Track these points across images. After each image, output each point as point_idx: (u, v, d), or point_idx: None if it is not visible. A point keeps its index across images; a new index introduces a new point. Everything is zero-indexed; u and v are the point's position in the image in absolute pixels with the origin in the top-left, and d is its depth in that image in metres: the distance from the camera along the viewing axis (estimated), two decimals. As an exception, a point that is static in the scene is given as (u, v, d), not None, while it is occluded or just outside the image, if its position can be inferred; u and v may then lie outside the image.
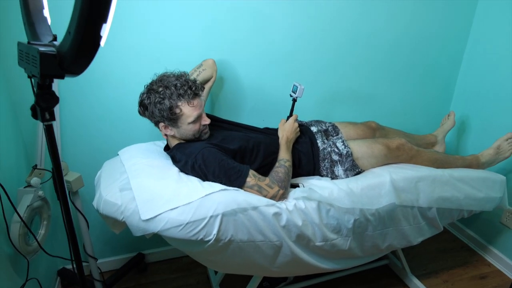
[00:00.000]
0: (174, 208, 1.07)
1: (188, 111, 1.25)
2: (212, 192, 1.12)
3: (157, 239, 1.71)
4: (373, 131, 1.70)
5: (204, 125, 1.31)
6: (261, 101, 1.77)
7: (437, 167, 1.54)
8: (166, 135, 1.33)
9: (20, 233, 1.18)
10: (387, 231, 1.41)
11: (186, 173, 1.25)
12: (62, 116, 1.47)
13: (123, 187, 1.15)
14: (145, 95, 1.25)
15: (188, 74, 1.30)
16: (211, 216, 1.09)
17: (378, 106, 2.03)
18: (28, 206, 1.22)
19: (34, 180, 1.27)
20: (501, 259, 1.93)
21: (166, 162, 1.30)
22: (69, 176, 1.39)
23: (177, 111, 1.23)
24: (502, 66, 1.83)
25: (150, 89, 1.25)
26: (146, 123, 1.35)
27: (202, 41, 1.56)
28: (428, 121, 2.16)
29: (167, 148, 1.40)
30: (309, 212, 1.23)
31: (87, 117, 1.53)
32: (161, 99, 1.21)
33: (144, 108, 1.26)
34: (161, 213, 1.06)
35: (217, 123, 1.47)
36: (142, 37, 1.47)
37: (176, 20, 1.49)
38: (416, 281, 1.79)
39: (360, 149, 1.46)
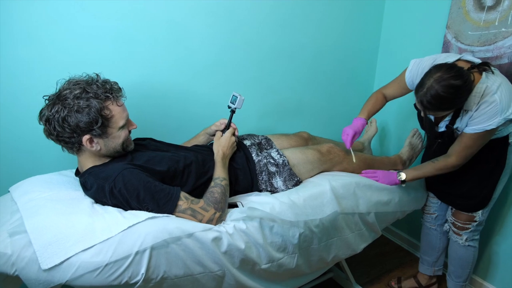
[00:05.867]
0: (88, 248, 0.86)
1: (117, 112, 1.07)
2: (137, 223, 0.93)
3: None
4: (306, 141, 1.67)
5: (130, 131, 1.14)
6: (186, 118, 1.63)
7: (368, 167, 1.56)
8: (79, 153, 1.10)
9: None
10: (332, 242, 1.35)
11: (104, 202, 1.03)
12: None
13: (14, 231, 0.89)
14: (56, 106, 1.00)
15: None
16: (136, 252, 0.90)
17: (306, 118, 2.04)
18: None
19: None
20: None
21: (76, 194, 1.06)
22: None
23: (107, 112, 1.04)
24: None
25: (62, 96, 1.01)
26: (49, 150, 1.10)
27: (113, 53, 1.38)
28: (353, 129, 2.22)
29: (78, 173, 1.17)
30: (251, 232, 1.11)
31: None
32: (86, 101, 1.00)
33: (58, 122, 1.00)
34: (70, 257, 0.84)
35: (138, 141, 1.28)
36: (37, 48, 1.24)
37: (82, 30, 1.29)
38: (362, 290, 1.77)
39: (294, 155, 1.41)
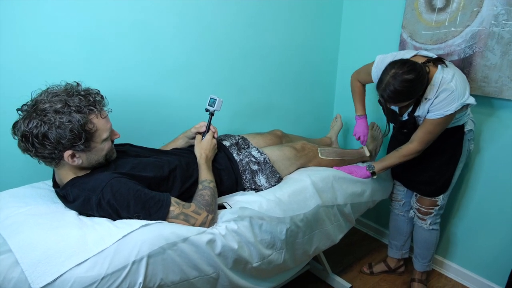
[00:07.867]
0: (82, 263, 0.81)
1: (101, 124, 1.01)
2: (131, 231, 0.90)
3: None
4: (280, 139, 1.71)
5: (112, 140, 1.09)
6: (159, 122, 1.59)
7: (339, 157, 1.66)
8: (58, 166, 1.03)
9: None
10: (314, 234, 1.40)
11: (89, 214, 0.98)
12: None
13: (-4, 251, 0.82)
14: (34, 121, 0.91)
15: (80, 85, 1.03)
16: (133, 262, 0.87)
17: (275, 117, 2.07)
18: None
19: None
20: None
21: (56, 207, 1.00)
22: None
23: (90, 126, 0.98)
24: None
25: (40, 110, 0.92)
26: (17, 162, 1.01)
27: (77, 55, 1.30)
28: (319, 125, 2.31)
29: (55, 184, 1.09)
30: (242, 232, 1.12)
31: None
32: (68, 115, 0.93)
33: (38, 139, 0.92)
34: (63, 274, 0.79)
35: (118, 148, 1.21)
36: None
37: (42, 30, 1.20)
38: (338, 279, 1.84)
39: (273, 153, 1.45)
